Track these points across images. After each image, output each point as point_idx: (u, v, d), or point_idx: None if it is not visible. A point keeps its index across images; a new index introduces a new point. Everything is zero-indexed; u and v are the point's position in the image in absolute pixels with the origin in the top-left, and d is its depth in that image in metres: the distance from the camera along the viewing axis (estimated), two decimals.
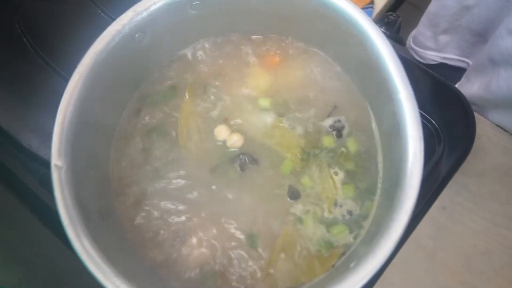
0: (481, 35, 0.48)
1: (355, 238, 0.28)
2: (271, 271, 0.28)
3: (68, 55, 0.31)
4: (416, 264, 0.37)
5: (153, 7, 0.29)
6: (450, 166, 0.34)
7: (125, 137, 0.31)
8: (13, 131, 0.38)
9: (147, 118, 0.32)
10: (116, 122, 0.31)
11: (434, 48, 0.53)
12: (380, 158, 0.29)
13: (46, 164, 0.36)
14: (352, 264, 0.23)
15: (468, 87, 0.48)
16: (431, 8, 0.51)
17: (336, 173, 0.30)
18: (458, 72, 0.53)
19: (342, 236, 0.29)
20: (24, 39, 0.42)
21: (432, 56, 0.54)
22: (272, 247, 0.29)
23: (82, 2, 0.41)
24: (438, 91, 0.39)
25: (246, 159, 0.31)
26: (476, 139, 0.37)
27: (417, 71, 0.39)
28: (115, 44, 0.28)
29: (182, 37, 0.33)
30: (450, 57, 0.53)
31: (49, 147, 0.36)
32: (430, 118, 0.37)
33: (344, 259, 0.27)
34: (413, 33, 0.54)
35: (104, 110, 0.29)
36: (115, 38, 0.28)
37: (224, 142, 0.31)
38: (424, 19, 0.53)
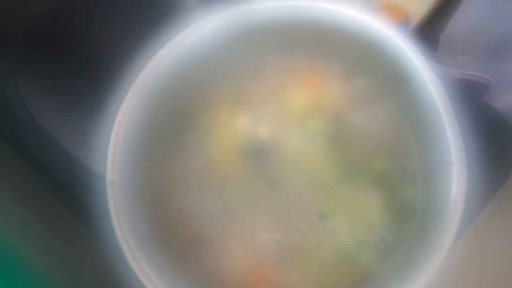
0: (500, 53, 0.48)
1: (383, 264, 0.28)
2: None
3: (114, 70, 0.33)
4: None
5: (201, 32, 0.30)
6: (487, 190, 0.34)
7: (173, 156, 0.33)
8: (63, 142, 0.40)
9: (190, 135, 0.34)
10: (165, 140, 0.33)
11: (454, 66, 0.54)
12: (420, 183, 0.30)
13: (92, 174, 0.38)
14: None
15: (494, 104, 0.48)
16: (446, 31, 0.51)
17: (376, 199, 0.30)
18: (480, 87, 0.53)
19: (367, 260, 0.29)
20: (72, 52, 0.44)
21: (454, 73, 0.54)
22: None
23: (130, 21, 0.43)
24: (475, 111, 0.39)
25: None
26: None
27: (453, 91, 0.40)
28: (165, 66, 0.30)
29: (226, 57, 0.34)
30: (471, 73, 0.54)
31: (93, 157, 0.39)
32: (467, 140, 0.37)
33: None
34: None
35: (155, 128, 0.31)
36: (165, 61, 0.30)
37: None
38: (441, 40, 0.53)
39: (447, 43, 0.53)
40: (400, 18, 0.57)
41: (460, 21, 0.49)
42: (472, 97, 0.41)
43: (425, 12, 0.55)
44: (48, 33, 0.45)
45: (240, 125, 0.34)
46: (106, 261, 0.30)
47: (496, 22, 0.45)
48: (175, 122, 0.33)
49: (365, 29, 0.29)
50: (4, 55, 0.45)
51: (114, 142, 0.28)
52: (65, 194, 0.39)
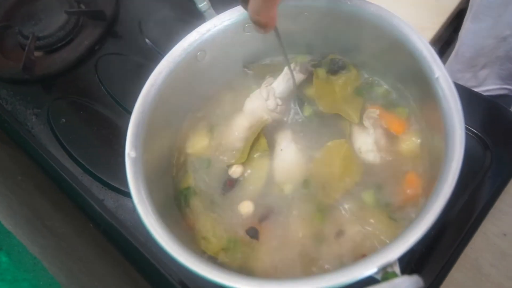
0: None
1: None
2: None
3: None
4: None
5: (214, 29, 0.34)
6: (499, 183, 0.34)
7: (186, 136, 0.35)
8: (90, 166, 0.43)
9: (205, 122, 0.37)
10: (180, 123, 0.35)
11: (474, 85, 0.54)
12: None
13: (120, 192, 0.40)
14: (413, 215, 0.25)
15: None
16: (466, 53, 0.52)
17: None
18: (498, 99, 0.53)
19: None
20: (101, 86, 0.49)
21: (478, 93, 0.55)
22: None
23: (149, 53, 0.48)
24: (491, 112, 0.40)
25: None
26: None
27: (471, 96, 0.41)
28: (181, 59, 0.33)
29: (237, 57, 0.37)
30: (491, 88, 0.54)
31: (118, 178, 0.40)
32: (481, 136, 0.38)
33: None
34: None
35: (170, 114, 0.34)
36: (181, 54, 0.33)
37: None
38: (459, 67, 0.54)
39: (468, 64, 0.54)
40: None
41: (474, 39, 0.51)
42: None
43: None
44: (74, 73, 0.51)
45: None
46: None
47: (501, 32, 0.47)
48: (191, 108, 0.36)
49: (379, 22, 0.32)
50: (38, 91, 0.51)
51: (133, 122, 0.30)
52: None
